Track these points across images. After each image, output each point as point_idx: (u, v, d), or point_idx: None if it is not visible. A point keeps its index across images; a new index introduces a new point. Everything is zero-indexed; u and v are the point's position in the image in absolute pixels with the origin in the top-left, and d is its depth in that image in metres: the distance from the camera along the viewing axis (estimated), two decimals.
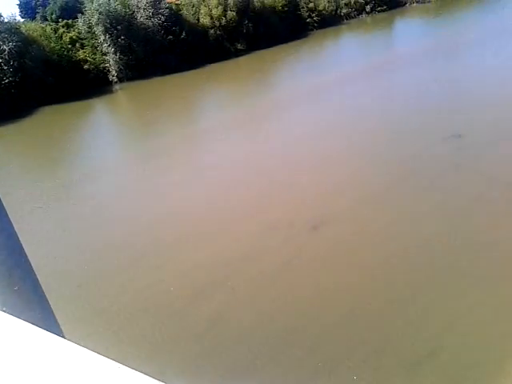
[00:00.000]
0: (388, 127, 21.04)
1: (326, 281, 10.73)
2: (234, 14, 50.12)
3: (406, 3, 64.47)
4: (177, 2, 51.69)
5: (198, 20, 49.78)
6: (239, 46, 50.96)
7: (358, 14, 61.70)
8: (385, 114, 22.99)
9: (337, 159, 18.47)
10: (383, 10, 61.46)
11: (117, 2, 43.33)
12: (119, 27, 42.80)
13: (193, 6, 50.53)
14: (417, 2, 64.07)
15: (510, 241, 10.98)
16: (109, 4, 42.65)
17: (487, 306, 9.11)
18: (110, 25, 42.66)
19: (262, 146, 21.82)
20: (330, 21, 59.21)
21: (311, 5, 58.36)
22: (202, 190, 17.49)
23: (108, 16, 42.41)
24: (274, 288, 10.76)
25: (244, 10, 51.32)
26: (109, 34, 42.87)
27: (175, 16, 47.56)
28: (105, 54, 43.51)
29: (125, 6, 44.34)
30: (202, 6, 50.10)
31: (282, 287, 10.77)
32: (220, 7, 49.61)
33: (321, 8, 58.54)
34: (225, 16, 49.75)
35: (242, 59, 48.61)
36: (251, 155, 20.82)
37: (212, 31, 49.46)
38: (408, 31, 50.47)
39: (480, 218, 12.23)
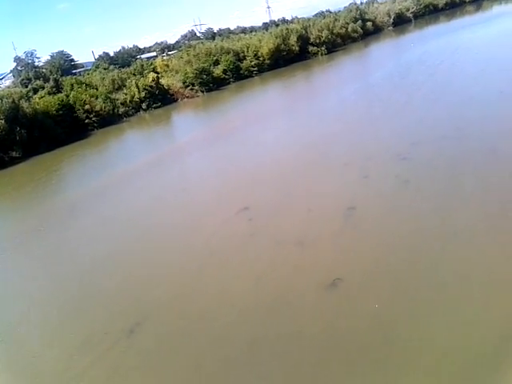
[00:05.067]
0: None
1: None
2: (3, 121, 46.93)
3: (177, 99, 70.94)
4: None
5: None
6: (14, 154, 47.42)
7: (136, 112, 64.86)
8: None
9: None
10: (159, 107, 66.15)
11: None
12: None
13: None
14: (187, 97, 71.18)
15: None
16: None
17: None
18: None
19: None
20: (110, 120, 60.59)
21: (87, 106, 58.94)
22: None
23: None
24: None
25: (14, 117, 48.53)
26: None
27: None
28: None
29: None
30: None
31: None
32: None
33: (97, 109, 59.57)
34: None
35: (19, 167, 45.19)
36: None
37: None
38: (184, 124, 55.49)
39: None
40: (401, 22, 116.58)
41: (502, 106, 28.32)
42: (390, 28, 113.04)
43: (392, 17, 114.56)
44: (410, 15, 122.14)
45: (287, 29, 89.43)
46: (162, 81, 71.42)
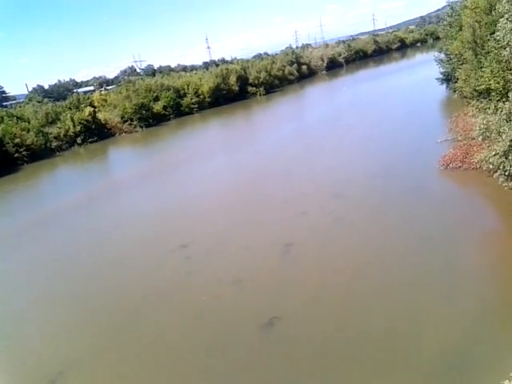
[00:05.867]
0: None
1: None
2: None
3: (115, 134, 69.59)
4: None
5: None
6: None
7: (71, 146, 62.84)
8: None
9: None
10: (95, 141, 64.43)
11: None
12: None
13: None
14: (125, 132, 70.06)
15: None
16: None
17: None
18: None
19: None
20: (42, 154, 58.02)
21: (17, 140, 56.15)
22: None
23: None
24: None
25: None
26: None
27: None
28: None
29: None
30: None
31: None
32: None
33: (29, 142, 56.94)
34: None
35: None
36: None
37: None
38: (120, 159, 54.46)
39: None
40: (333, 67, 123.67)
41: (426, 147, 30.45)
42: (324, 72, 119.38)
43: (325, 61, 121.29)
44: (342, 60, 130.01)
45: (227, 69, 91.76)
46: (100, 115, 70.11)
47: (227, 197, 28.89)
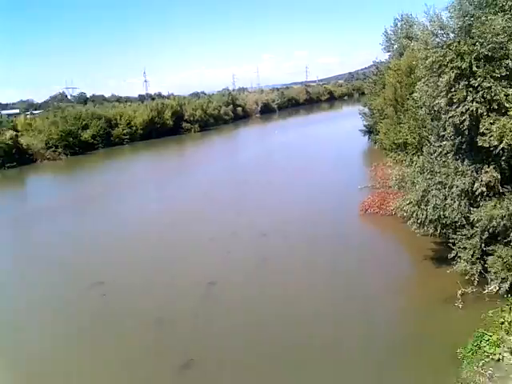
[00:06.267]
0: None
1: None
2: None
3: (37, 160, 65.80)
4: None
5: None
6: None
7: None
8: None
9: None
10: (13, 166, 60.39)
11: None
12: None
13: None
14: (48, 159, 66.50)
15: None
16: None
17: None
18: None
19: None
20: None
21: None
22: None
23: None
24: None
25: None
26: None
27: None
28: None
29: None
30: None
31: None
32: None
33: None
34: None
35: None
36: None
37: None
38: (39, 188, 51.46)
39: None
40: (267, 111, 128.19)
41: (346, 192, 31.96)
42: (258, 115, 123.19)
43: (259, 105, 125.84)
44: (275, 106, 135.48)
45: (163, 103, 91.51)
46: (22, 140, 66.16)
47: (151, 231, 27.99)
